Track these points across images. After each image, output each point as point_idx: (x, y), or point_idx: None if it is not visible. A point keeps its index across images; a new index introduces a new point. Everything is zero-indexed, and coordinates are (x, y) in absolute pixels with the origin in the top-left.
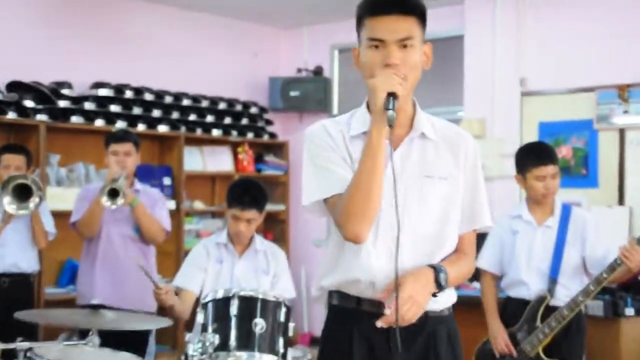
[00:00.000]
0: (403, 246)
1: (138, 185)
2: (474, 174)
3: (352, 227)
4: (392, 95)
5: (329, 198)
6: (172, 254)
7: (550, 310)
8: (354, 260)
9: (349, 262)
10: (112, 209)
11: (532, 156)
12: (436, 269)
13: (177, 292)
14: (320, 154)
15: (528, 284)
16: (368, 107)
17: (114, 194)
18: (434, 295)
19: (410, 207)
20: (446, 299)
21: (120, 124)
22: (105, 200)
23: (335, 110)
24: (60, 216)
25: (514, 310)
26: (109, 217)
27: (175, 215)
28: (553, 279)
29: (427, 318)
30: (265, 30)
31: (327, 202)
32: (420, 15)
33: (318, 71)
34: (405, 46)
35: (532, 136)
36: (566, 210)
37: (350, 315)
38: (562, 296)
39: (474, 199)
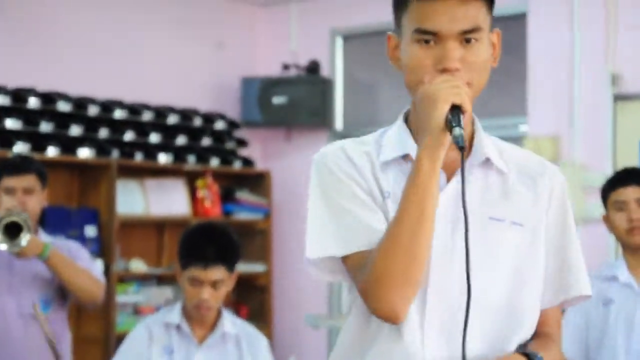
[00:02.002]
0: (469, 325)
1: (44, 237)
2: (563, 222)
3: (387, 300)
4: (457, 108)
5: (350, 255)
6: (98, 341)
7: None
8: (391, 349)
9: (382, 352)
10: (9, 267)
11: (610, 179)
12: (530, 358)
13: None
14: (338, 190)
15: None
16: (407, 122)
17: (11, 230)
18: None
19: (474, 269)
20: None
21: (20, 147)
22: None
23: (338, 124)
24: None
25: None
26: (2, 282)
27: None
28: None
29: None
30: (236, 8)
31: (347, 260)
32: None
33: (313, 68)
34: (469, 41)
35: (631, 159)
36: None
37: None
38: None
39: (562, 257)
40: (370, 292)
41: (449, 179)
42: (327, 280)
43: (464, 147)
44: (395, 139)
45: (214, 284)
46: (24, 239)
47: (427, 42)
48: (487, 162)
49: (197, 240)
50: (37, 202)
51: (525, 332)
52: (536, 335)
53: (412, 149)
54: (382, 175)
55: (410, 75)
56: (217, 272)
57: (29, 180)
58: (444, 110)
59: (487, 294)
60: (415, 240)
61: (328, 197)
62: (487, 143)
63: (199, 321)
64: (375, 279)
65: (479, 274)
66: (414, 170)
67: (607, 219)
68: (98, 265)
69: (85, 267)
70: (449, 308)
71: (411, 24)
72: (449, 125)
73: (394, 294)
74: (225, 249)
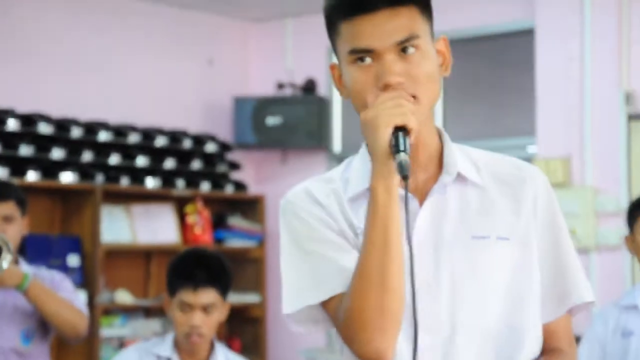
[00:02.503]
0: (462, 354)
1: (25, 267)
2: (553, 226)
3: (368, 339)
4: (401, 130)
5: (327, 301)
6: None
7: None
8: None
9: None
10: None
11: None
12: None
13: None
14: (308, 236)
15: None
16: (369, 149)
17: None
18: None
19: (460, 289)
20: None
21: None
22: None
23: (337, 146)
24: None
25: None
26: None
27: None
28: None
29: None
30: (227, 24)
31: (327, 306)
32: (422, 0)
33: (309, 87)
34: (407, 51)
35: None
36: None
37: None
38: None
39: (558, 263)
40: (350, 334)
41: (421, 202)
42: (312, 332)
43: (406, 176)
44: (359, 170)
45: (205, 309)
46: (5, 260)
47: (362, 60)
48: (461, 177)
49: (186, 264)
50: (16, 230)
51: (528, 352)
52: (545, 352)
53: None
54: (352, 211)
55: (355, 100)
56: (208, 295)
57: (8, 208)
58: (385, 134)
59: (480, 318)
60: (384, 272)
61: (299, 244)
62: (458, 157)
63: (191, 353)
64: (351, 319)
65: (468, 297)
66: (370, 201)
67: (630, 241)
68: (81, 297)
69: (67, 298)
70: (442, 340)
71: (345, 47)
72: (394, 151)
73: (373, 330)
74: (216, 271)
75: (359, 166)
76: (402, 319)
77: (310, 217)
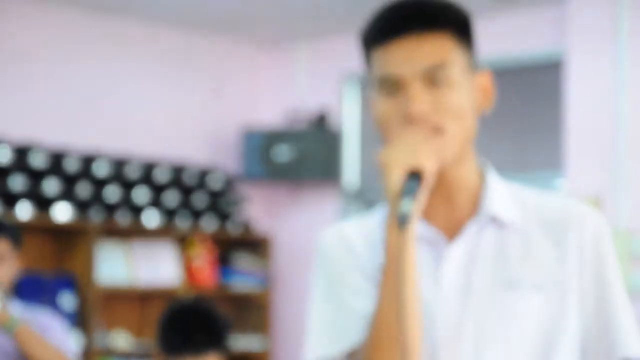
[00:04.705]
0: None
1: (17, 307)
2: (601, 278)
3: None
4: (414, 173)
5: (353, 352)
6: None
7: None
8: None
9: None
10: None
11: None
12: None
13: None
14: (333, 280)
15: None
16: None
17: None
18: None
19: (486, 343)
20: None
21: None
22: None
23: (351, 180)
24: None
25: None
26: None
27: (81, 356)
28: None
29: None
30: (234, 50)
31: (353, 357)
32: (459, 26)
33: (322, 117)
34: (436, 82)
35: None
36: None
37: None
38: None
39: (605, 317)
40: None
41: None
42: None
43: (403, 225)
44: None
45: None
46: None
47: (389, 91)
48: (498, 219)
49: (174, 327)
50: (9, 269)
51: None
52: None
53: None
54: None
55: (382, 135)
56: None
57: (0, 246)
58: (395, 177)
59: None
60: (399, 325)
61: (324, 290)
62: (497, 198)
63: None
64: None
65: (492, 348)
66: (385, 247)
67: None
68: (72, 342)
69: (57, 344)
70: None
71: (375, 75)
72: (404, 196)
73: None
74: (218, 333)
75: None
76: None
77: (338, 262)
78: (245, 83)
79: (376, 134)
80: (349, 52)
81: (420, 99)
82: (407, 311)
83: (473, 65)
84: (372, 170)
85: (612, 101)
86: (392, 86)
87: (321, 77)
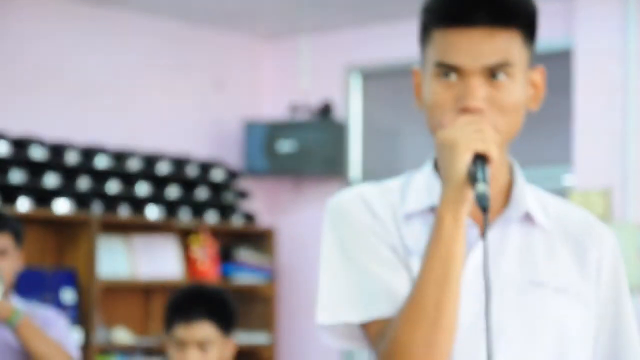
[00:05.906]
0: None
1: (18, 303)
2: (617, 293)
3: None
4: (481, 158)
5: (370, 323)
6: None
7: None
8: None
9: None
10: None
11: None
12: None
13: None
14: (358, 245)
15: None
16: (436, 168)
17: None
18: None
19: (507, 334)
20: None
21: None
22: None
23: (355, 173)
24: None
25: None
26: None
27: (81, 352)
28: None
29: None
30: (237, 42)
31: (367, 327)
32: (527, 24)
33: (326, 110)
34: (496, 78)
35: None
36: None
37: None
38: None
39: (617, 330)
40: None
41: (482, 234)
42: (343, 347)
43: (486, 209)
44: (422, 187)
45: (201, 346)
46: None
47: (447, 75)
48: (527, 217)
49: (180, 298)
50: (11, 264)
51: None
52: None
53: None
54: (406, 228)
55: (430, 116)
56: (203, 330)
57: (2, 241)
58: (465, 159)
59: None
60: (440, 307)
61: (345, 253)
62: (528, 195)
63: None
64: (395, 352)
65: (514, 346)
66: (435, 229)
67: None
68: (73, 339)
69: (58, 340)
70: None
71: (433, 57)
72: (471, 179)
73: None
74: (213, 303)
75: (421, 183)
76: (449, 354)
77: (362, 226)
78: (248, 75)
79: (380, 126)
80: (353, 44)
81: (479, 96)
82: (451, 294)
83: (529, 61)
84: (376, 162)
85: (621, 94)
86: (449, 70)
87: (325, 69)
